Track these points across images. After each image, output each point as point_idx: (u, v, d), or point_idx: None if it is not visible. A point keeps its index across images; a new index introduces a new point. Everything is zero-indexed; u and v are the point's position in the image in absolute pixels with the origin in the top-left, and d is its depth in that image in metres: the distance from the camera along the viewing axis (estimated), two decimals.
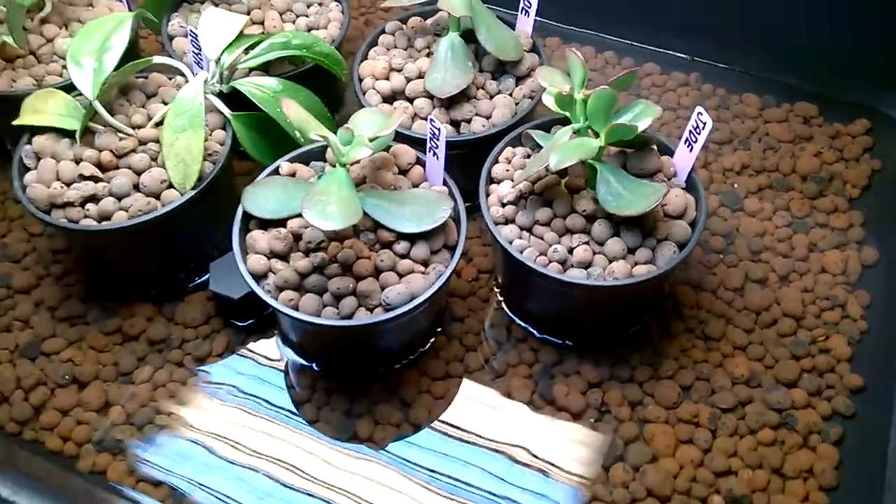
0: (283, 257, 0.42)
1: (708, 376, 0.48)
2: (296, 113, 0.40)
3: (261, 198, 0.43)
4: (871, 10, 0.58)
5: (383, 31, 0.54)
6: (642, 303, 0.48)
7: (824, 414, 0.46)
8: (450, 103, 0.49)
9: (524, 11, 0.51)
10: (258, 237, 0.43)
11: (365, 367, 0.48)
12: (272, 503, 0.44)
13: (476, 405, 0.47)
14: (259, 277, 0.42)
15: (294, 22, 0.55)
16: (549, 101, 0.44)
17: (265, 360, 0.49)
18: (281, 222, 0.43)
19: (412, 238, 0.42)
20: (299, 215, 0.42)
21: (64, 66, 0.52)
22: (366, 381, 0.47)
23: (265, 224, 0.44)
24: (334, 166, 0.45)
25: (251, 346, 0.49)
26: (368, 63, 0.51)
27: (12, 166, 0.46)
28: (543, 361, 0.48)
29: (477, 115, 0.49)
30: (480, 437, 0.46)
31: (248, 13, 0.53)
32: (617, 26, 0.65)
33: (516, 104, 0.50)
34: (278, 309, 0.41)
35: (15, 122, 0.47)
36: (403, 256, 0.42)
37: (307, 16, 0.55)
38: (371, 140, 0.41)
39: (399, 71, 0.51)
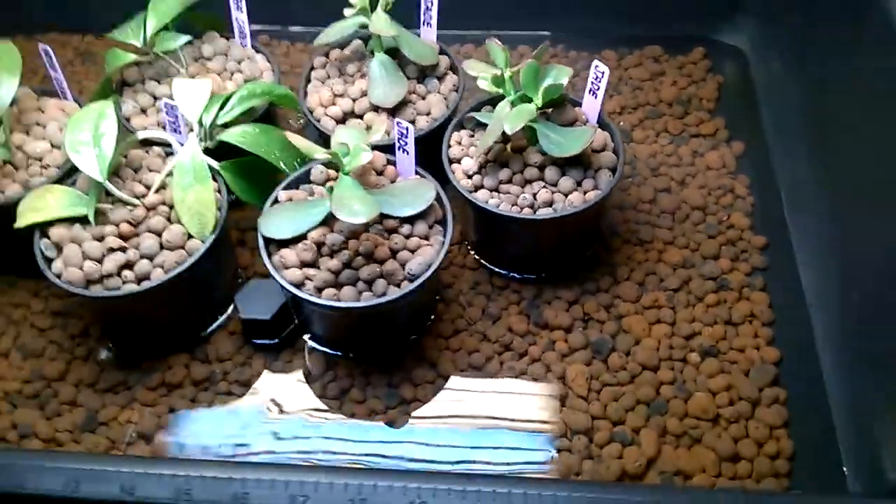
0: (313, 264, 0.50)
1: (653, 270, 0.60)
2: (301, 142, 0.48)
3: (275, 223, 0.51)
4: None
5: (313, 68, 0.62)
6: (592, 228, 0.59)
7: (746, 271, 0.59)
8: (394, 111, 0.58)
9: (426, 24, 0.61)
10: (287, 254, 0.50)
11: (392, 343, 0.56)
12: (365, 469, 0.51)
13: (488, 345, 0.57)
14: (298, 286, 0.50)
15: (232, 78, 0.62)
16: (483, 84, 0.54)
17: (302, 365, 0.56)
18: (300, 238, 0.51)
19: (412, 220, 0.51)
20: (316, 227, 0.50)
21: (43, 167, 0.57)
22: (395, 357, 0.56)
23: (284, 243, 0.51)
24: (323, 184, 0.54)
25: (285, 357, 0.57)
26: (312, 96, 0.60)
27: (38, 261, 0.51)
28: (527, 297, 0.59)
29: (419, 114, 0.59)
30: (501, 367, 0.56)
31: (193, 78, 0.60)
32: (487, 22, 0.76)
33: (445, 98, 0.60)
34: (326, 304, 0.49)
35: (17, 226, 0.52)
36: (409, 236, 0.51)
37: (241, 71, 0.62)
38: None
39: (342, 96, 0.59)
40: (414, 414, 0.54)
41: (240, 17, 0.63)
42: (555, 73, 0.53)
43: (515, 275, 0.59)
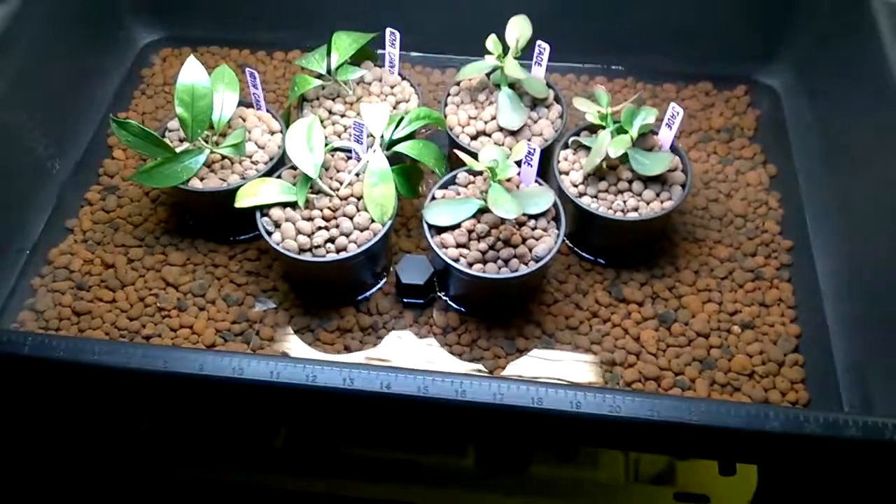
0: (465, 246, 0.69)
1: (705, 262, 0.78)
2: (466, 158, 0.67)
3: (437, 214, 0.70)
4: (734, 11, 0.90)
5: (449, 94, 0.81)
6: (661, 228, 0.78)
7: (776, 266, 0.78)
8: (516, 132, 0.77)
9: (537, 64, 0.80)
10: (447, 237, 0.69)
11: (509, 307, 0.75)
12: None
13: (580, 312, 0.75)
14: (455, 260, 0.68)
15: (386, 100, 0.81)
16: (589, 117, 0.73)
17: (442, 320, 0.75)
18: (456, 226, 0.69)
19: (536, 217, 0.70)
20: (468, 219, 0.69)
21: (253, 163, 0.75)
22: (510, 318, 0.75)
23: (442, 230, 0.70)
24: (466, 186, 0.73)
25: (428, 313, 0.75)
26: (451, 117, 0.78)
27: (261, 233, 0.70)
28: (609, 278, 0.77)
29: (533, 135, 0.77)
30: (590, 328, 0.74)
31: (359, 100, 0.79)
32: (575, 56, 0.94)
33: (552, 123, 0.79)
34: (475, 275, 0.67)
35: (237, 205, 0.71)
36: (534, 228, 0.70)
37: (394, 95, 0.81)
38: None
39: (475, 118, 0.78)
40: (528, 357, 0.73)
41: (392, 51, 0.81)
42: (644, 114, 0.71)
43: (601, 260, 0.78)
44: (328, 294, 0.76)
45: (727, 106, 0.92)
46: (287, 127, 0.73)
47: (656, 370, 0.71)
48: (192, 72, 0.71)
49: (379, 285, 0.77)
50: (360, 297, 0.76)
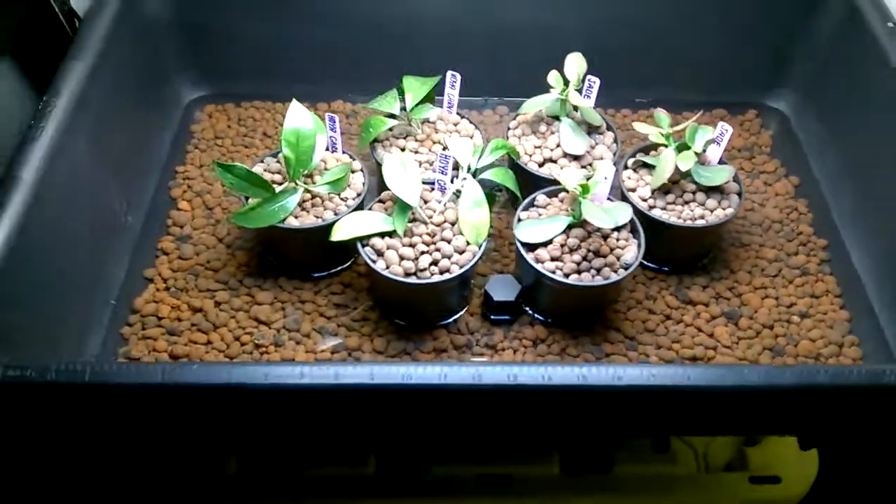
0: (559, 259, 0.75)
1: (756, 263, 0.86)
2: (561, 177, 0.73)
3: (528, 233, 0.75)
4: (741, 45, 1.01)
5: (510, 128, 0.88)
6: (718, 234, 0.85)
7: (817, 262, 0.86)
8: (578, 158, 0.84)
9: (586, 96, 0.87)
10: (541, 253, 0.75)
11: (589, 316, 0.80)
12: None
13: (654, 316, 0.81)
14: (552, 272, 0.74)
15: (452, 136, 0.86)
16: (652, 138, 0.80)
17: (530, 333, 0.80)
18: (548, 242, 0.75)
19: (618, 229, 0.77)
20: (559, 235, 0.75)
21: (342, 199, 0.80)
22: (590, 326, 0.80)
23: (533, 247, 0.76)
24: (545, 207, 0.79)
25: (516, 328, 0.80)
26: (518, 147, 0.85)
27: (366, 260, 0.74)
28: (673, 284, 0.84)
29: (594, 159, 0.85)
30: (667, 330, 0.81)
31: (428, 138, 0.85)
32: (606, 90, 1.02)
33: (608, 148, 0.86)
34: (572, 284, 0.73)
35: (334, 238, 0.75)
36: (618, 239, 0.76)
37: (458, 132, 0.87)
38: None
39: (539, 147, 0.85)
40: (609, 354, 0.78)
41: (452, 92, 0.87)
42: (701, 132, 0.79)
43: (665, 268, 0.85)
44: (420, 319, 0.80)
45: (742, 128, 1.01)
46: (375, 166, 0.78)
47: (734, 360, 0.78)
48: (297, 116, 0.75)
49: (465, 308, 0.81)
50: (449, 320, 0.80)
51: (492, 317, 0.80)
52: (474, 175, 0.79)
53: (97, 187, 0.82)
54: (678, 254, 0.84)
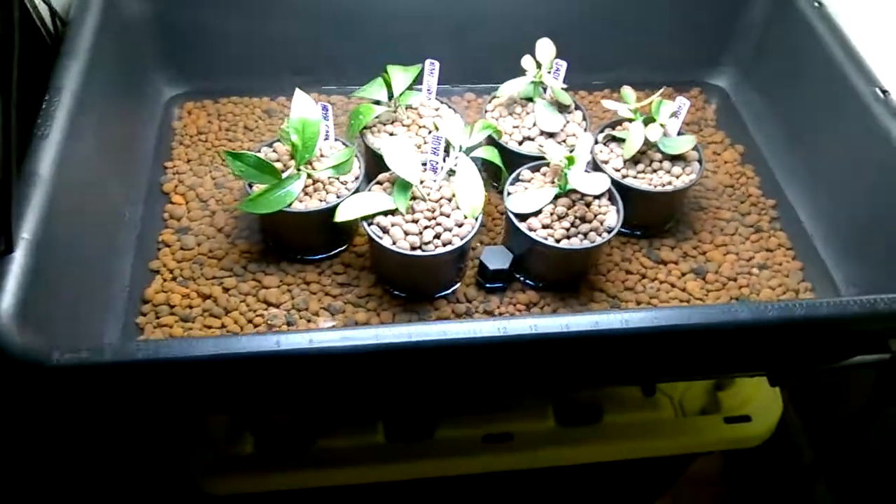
0: (549, 227, 0.82)
1: (715, 224, 0.96)
2: (548, 152, 0.80)
3: (519, 204, 0.82)
4: (682, 27, 1.10)
5: (487, 111, 0.94)
6: (682, 199, 0.94)
7: (768, 220, 0.96)
8: (553, 135, 0.91)
9: (554, 77, 0.95)
10: (532, 221, 0.82)
11: (575, 278, 0.88)
12: None
13: (632, 276, 0.89)
14: (545, 239, 0.81)
15: (435, 120, 0.92)
16: (621, 112, 0.88)
17: (523, 298, 0.87)
18: (538, 212, 0.82)
19: (598, 196, 0.84)
20: (547, 204, 0.82)
21: (342, 183, 0.85)
22: (577, 288, 0.88)
23: (524, 217, 0.82)
24: (529, 181, 0.86)
25: (509, 294, 0.87)
26: (498, 127, 0.92)
27: (373, 238, 0.79)
28: (644, 246, 0.93)
29: (567, 136, 0.92)
30: (644, 287, 0.89)
31: (413, 123, 0.90)
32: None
33: (579, 125, 0.94)
34: (564, 248, 0.80)
35: (339, 219, 0.80)
36: (600, 206, 0.84)
37: (440, 116, 0.93)
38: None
39: (517, 127, 0.92)
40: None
41: (430, 79, 0.93)
42: (665, 106, 0.88)
43: (638, 232, 0.93)
44: (421, 292, 0.85)
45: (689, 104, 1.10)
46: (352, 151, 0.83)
47: None
48: (302, 105, 0.80)
49: (461, 279, 0.87)
50: (447, 292, 0.86)
51: (487, 285, 0.87)
52: (466, 153, 0.85)
53: (101, 183, 0.84)
54: (648, 219, 0.92)
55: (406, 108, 0.92)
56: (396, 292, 0.86)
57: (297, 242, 0.87)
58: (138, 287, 0.85)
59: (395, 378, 0.75)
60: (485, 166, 0.95)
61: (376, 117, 0.91)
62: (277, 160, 0.85)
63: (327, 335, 0.63)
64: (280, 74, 1.05)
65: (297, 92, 0.81)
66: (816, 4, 0.99)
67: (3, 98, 0.58)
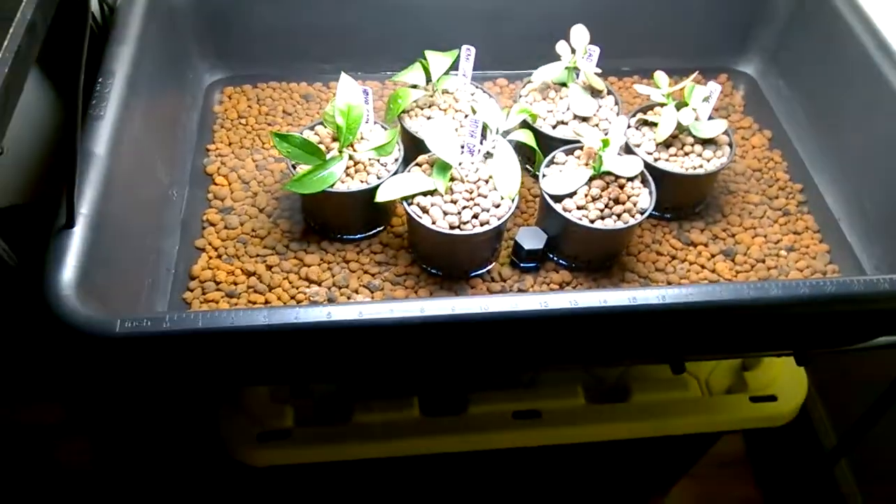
0: (584, 208, 0.84)
1: (743, 207, 0.97)
2: (582, 134, 0.82)
3: (554, 186, 0.85)
4: (710, 15, 1.12)
5: (521, 95, 0.97)
6: (712, 183, 0.96)
7: (795, 204, 0.98)
8: (586, 119, 0.94)
9: (588, 60, 0.97)
10: (567, 203, 0.84)
11: (608, 260, 0.90)
12: None
13: (662, 257, 0.92)
14: (579, 219, 0.83)
15: (469, 102, 0.95)
16: (654, 97, 0.90)
17: (556, 278, 0.89)
18: (572, 194, 0.85)
19: (631, 179, 0.86)
20: (582, 186, 0.84)
21: (382, 165, 0.87)
22: (609, 267, 0.90)
23: (559, 199, 0.85)
24: (563, 164, 0.88)
25: (543, 273, 0.89)
26: (532, 111, 0.94)
27: (412, 217, 0.82)
28: (674, 228, 0.95)
29: (601, 120, 0.94)
30: (675, 268, 0.91)
31: (450, 107, 0.93)
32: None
33: (611, 110, 0.96)
34: (599, 228, 0.82)
35: (379, 199, 0.83)
36: (633, 188, 0.86)
37: (475, 100, 0.95)
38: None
39: (551, 111, 0.94)
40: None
41: (466, 65, 0.96)
42: (698, 90, 0.90)
43: (668, 215, 0.95)
44: (458, 271, 0.88)
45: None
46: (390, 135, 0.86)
47: None
48: (347, 88, 0.82)
49: (496, 259, 0.90)
50: (482, 271, 0.89)
51: (521, 265, 0.89)
52: (504, 136, 0.87)
53: (150, 163, 0.88)
54: (679, 201, 0.94)
55: (443, 93, 0.94)
56: (433, 270, 0.88)
57: (337, 222, 0.90)
58: (184, 264, 0.88)
59: (434, 351, 0.78)
60: (518, 149, 0.97)
61: (414, 101, 0.94)
62: (320, 143, 0.88)
63: (377, 307, 0.66)
64: (317, 61, 1.08)
65: (343, 76, 0.84)
66: None
67: (71, 83, 0.61)
